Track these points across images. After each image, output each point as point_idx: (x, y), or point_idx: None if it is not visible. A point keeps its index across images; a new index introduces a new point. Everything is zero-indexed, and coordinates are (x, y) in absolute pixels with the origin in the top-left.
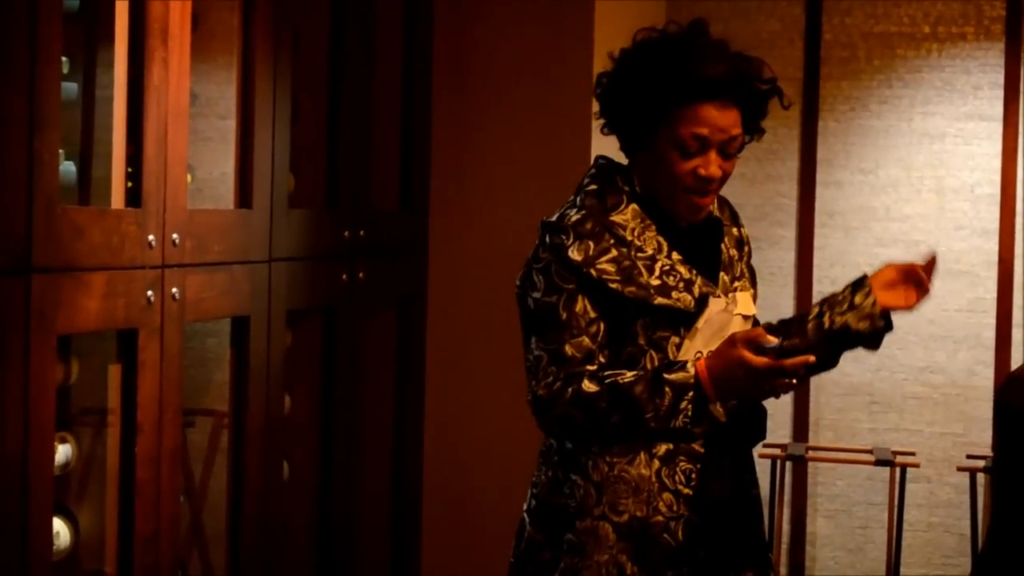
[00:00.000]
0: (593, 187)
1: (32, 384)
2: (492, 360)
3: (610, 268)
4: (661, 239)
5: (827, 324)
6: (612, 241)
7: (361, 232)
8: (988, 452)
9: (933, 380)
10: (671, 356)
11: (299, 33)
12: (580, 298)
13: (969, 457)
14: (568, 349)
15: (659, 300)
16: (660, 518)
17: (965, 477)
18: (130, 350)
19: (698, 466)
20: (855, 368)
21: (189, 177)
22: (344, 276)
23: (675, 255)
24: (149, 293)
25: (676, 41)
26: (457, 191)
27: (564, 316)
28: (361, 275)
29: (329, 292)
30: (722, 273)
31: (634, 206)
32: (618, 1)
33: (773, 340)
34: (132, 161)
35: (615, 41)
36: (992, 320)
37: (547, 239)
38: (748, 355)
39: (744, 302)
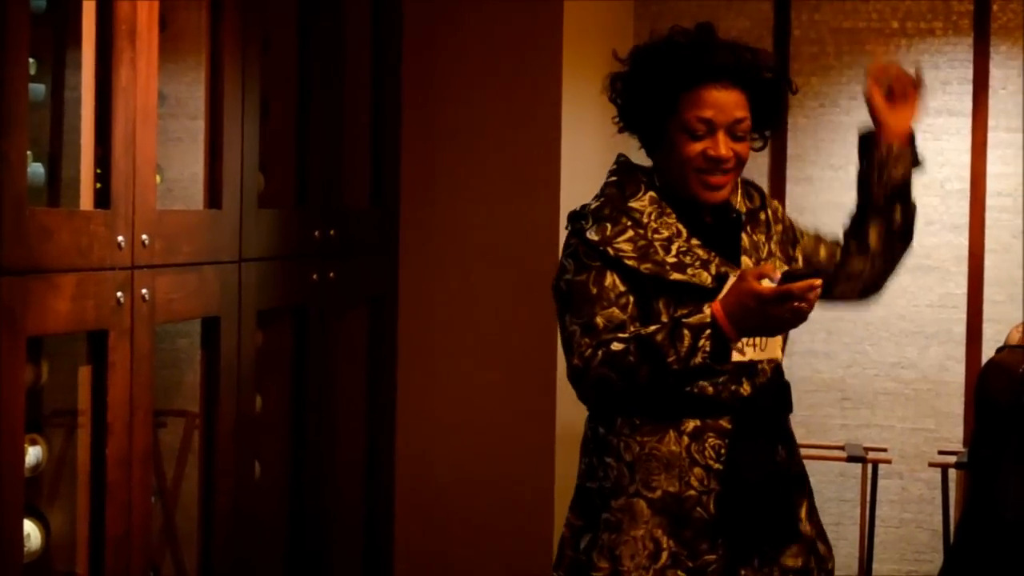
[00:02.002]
0: (614, 179)
1: (2, 386)
2: (463, 358)
3: (627, 247)
4: (680, 225)
5: (887, 191)
6: (629, 223)
7: (331, 231)
8: (959, 448)
9: (904, 376)
10: None
11: (268, 32)
12: (609, 273)
13: (941, 453)
14: (599, 320)
15: (675, 276)
16: (693, 492)
17: (937, 473)
18: (100, 351)
19: (726, 441)
20: (826, 365)
21: (158, 178)
22: (315, 275)
23: (693, 240)
24: (119, 294)
25: (681, 36)
26: (428, 189)
27: (594, 291)
28: (332, 274)
29: (300, 292)
30: (744, 257)
31: (652, 194)
32: (587, 0)
33: (778, 273)
34: (101, 162)
35: (584, 40)
36: (963, 315)
37: (571, 226)
38: (756, 284)
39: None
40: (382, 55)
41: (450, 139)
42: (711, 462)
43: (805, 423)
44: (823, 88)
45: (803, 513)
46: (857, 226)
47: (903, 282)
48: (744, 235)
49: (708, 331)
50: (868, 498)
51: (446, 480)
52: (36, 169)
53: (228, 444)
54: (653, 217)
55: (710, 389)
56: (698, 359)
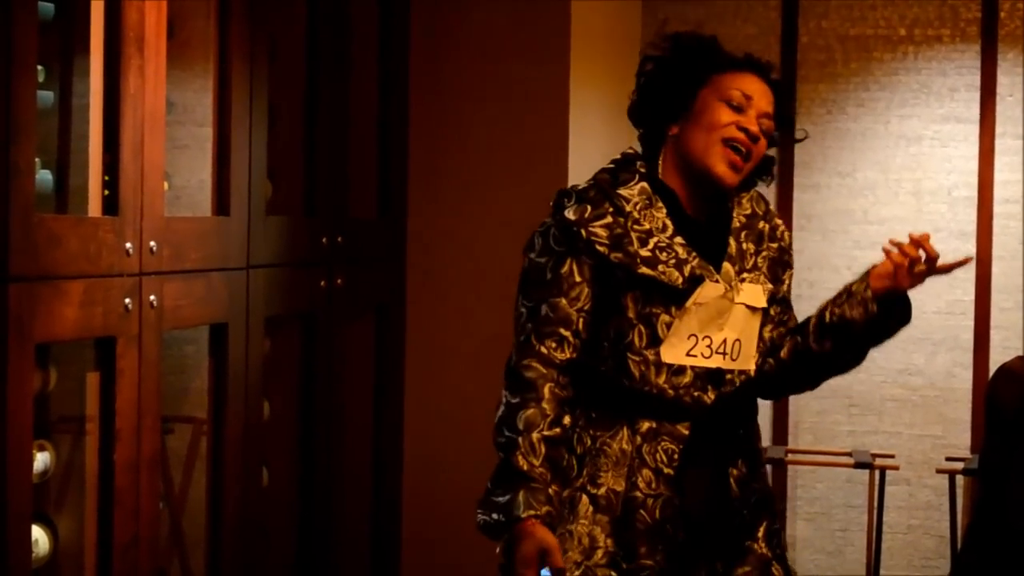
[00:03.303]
0: (610, 166)
1: (10, 392)
2: (471, 366)
3: (601, 232)
4: (667, 221)
5: (828, 319)
6: (610, 209)
7: (339, 238)
8: (967, 454)
9: (912, 382)
10: (660, 334)
11: (276, 40)
12: (569, 261)
13: (948, 459)
14: (544, 308)
15: (643, 269)
16: (638, 494)
17: (944, 479)
18: (108, 358)
19: (681, 447)
20: None
21: (166, 185)
22: (322, 283)
23: (677, 238)
24: (127, 301)
25: (708, 37)
26: (435, 197)
27: (549, 276)
28: (339, 282)
29: (307, 299)
30: (727, 263)
31: (644, 184)
32: (594, 3)
33: (560, 566)
34: (109, 169)
35: (592, 44)
36: (970, 322)
37: (554, 203)
38: (529, 555)
39: (752, 293)
40: (389, 63)
41: (457, 147)
42: (662, 466)
43: (812, 429)
44: (830, 95)
45: (760, 533)
46: (804, 324)
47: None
48: (732, 240)
49: (503, 533)
50: (875, 504)
51: (453, 487)
52: (44, 176)
53: (236, 451)
54: (639, 208)
55: (670, 392)
56: (487, 514)
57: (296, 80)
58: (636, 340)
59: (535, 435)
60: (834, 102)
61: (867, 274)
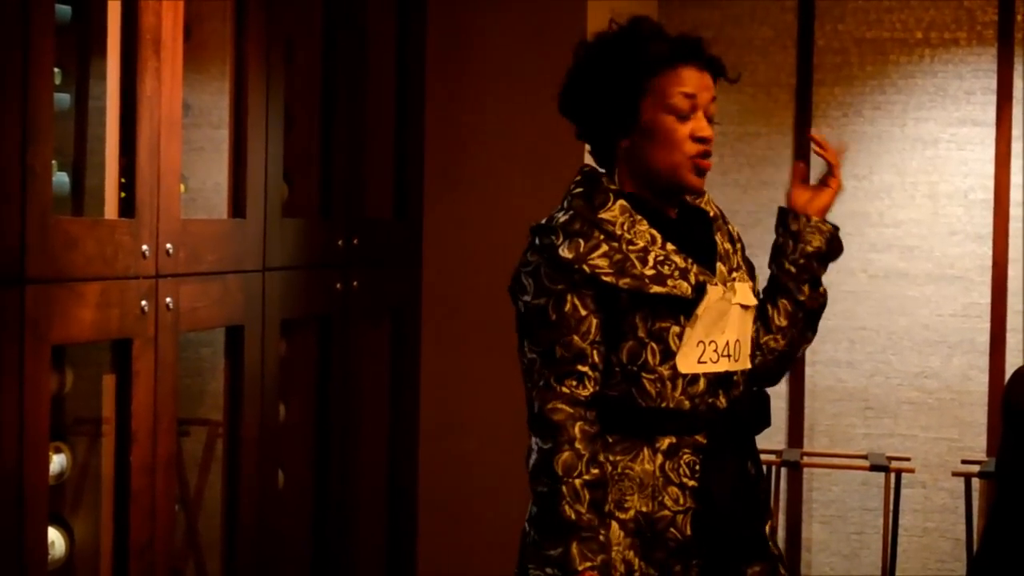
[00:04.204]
0: (579, 190)
1: (26, 394)
2: (486, 369)
3: (602, 263)
4: (654, 232)
5: (793, 269)
6: (602, 237)
7: (355, 241)
8: (983, 457)
9: (928, 385)
10: (673, 347)
11: (292, 42)
12: (569, 298)
13: (964, 462)
14: (558, 350)
15: (655, 288)
16: (667, 512)
17: (960, 482)
18: (124, 360)
19: (701, 456)
20: (849, 374)
21: (182, 187)
22: (338, 285)
23: (669, 245)
24: (143, 303)
25: (631, 28)
26: (451, 199)
27: (554, 317)
28: (355, 284)
29: (323, 301)
30: (719, 263)
31: (622, 202)
32: (611, 4)
33: None
34: (125, 171)
35: None
36: (986, 325)
37: (536, 241)
38: None
39: (743, 292)
40: (406, 65)
41: (473, 149)
42: (685, 479)
43: (828, 432)
44: (847, 98)
45: (767, 531)
46: (767, 299)
47: (927, 292)
48: (717, 239)
49: None
50: (891, 507)
51: (469, 489)
52: (61, 178)
53: (251, 453)
54: (626, 228)
55: (687, 404)
56: (545, 572)
57: (312, 82)
58: (650, 358)
59: (577, 481)
60: (850, 105)
61: (788, 210)
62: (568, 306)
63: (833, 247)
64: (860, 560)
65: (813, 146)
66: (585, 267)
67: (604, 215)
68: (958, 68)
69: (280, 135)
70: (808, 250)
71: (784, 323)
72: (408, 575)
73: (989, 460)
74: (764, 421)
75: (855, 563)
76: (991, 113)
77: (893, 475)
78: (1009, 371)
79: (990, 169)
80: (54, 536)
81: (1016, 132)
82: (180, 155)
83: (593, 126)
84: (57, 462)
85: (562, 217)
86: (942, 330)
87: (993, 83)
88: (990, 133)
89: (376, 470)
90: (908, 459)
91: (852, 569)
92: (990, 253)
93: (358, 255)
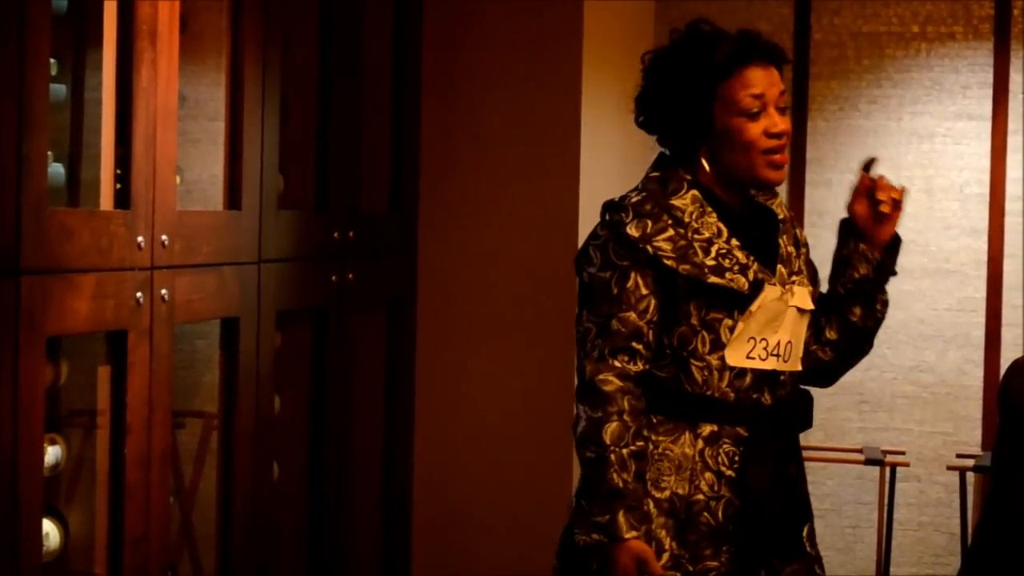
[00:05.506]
0: (656, 174)
1: (21, 386)
2: (482, 361)
3: (666, 246)
4: (721, 225)
5: (842, 291)
6: (670, 222)
7: (351, 233)
8: (978, 451)
9: (923, 379)
10: (724, 339)
11: (288, 34)
12: (633, 274)
13: (959, 456)
14: (615, 323)
15: (712, 279)
16: (701, 497)
17: (955, 476)
18: (119, 351)
19: (741, 449)
20: None
21: (178, 179)
22: (334, 277)
23: (734, 240)
24: (138, 294)
25: (691, 36)
26: (447, 192)
27: (615, 291)
28: (351, 276)
29: (319, 293)
30: (780, 265)
31: (694, 192)
32: (607, 1)
33: (659, 574)
34: (121, 163)
35: (604, 40)
36: (982, 319)
37: (607, 217)
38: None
39: (801, 296)
40: (402, 57)
41: (469, 142)
42: (723, 468)
43: (823, 426)
44: (843, 92)
45: (805, 533)
46: (821, 310)
47: (922, 286)
48: (781, 241)
49: (601, 547)
50: (886, 501)
51: (464, 482)
52: (56, 169)
53: (246, 445)
54: (694, 216)
55: (732, 395)
56: (584, 533)
57: (308, 74)
58: (699, 346)
59: (624, 451)
60: (846, 99)
61: (846, 229)
62: (631, 283)
63: (880, 275)
64: (855, 554)
65: (878, 193)
66: (649, 247)
67: (675, 201)
68: (954, 62)
69: (276, 127)
70: (855, 276)
71: (835, 337)
72: (404, 566)
73: (984, 454)
74: (807, 422)
75: (849, 557)
76: (987, 107)
77: (888, 469)
78: (1004, 365)
79: (986, 163)
80: (49, 528)
81: (1012, 126)
82: (176, 147)
83: (671, 136)
84: (52, 454)
85: (635, 197)
86: (937, 324)
87: (989, 77)
88: (986, 127)
89: (371, 462)
90: (903, 453)
91: (847, 563)
92: (986, 247)
93: (354, 247)
